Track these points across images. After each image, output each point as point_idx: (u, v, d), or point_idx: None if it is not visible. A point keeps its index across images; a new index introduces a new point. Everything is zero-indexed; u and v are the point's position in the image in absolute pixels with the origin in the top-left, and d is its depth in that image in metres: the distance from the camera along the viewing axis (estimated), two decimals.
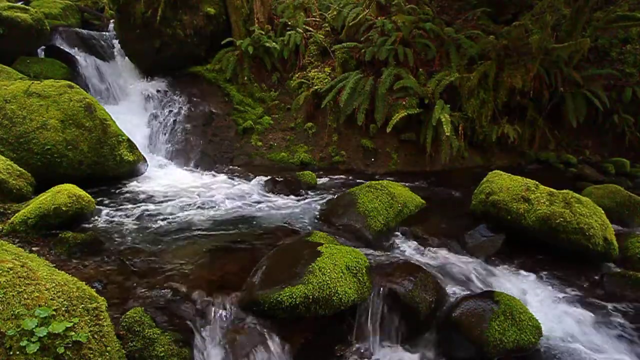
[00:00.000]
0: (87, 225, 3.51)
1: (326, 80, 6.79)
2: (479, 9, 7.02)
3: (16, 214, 3.17)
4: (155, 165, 5.71)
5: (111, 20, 8.53)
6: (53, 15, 8.12)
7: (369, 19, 6.94)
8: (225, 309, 2.48)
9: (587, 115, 6.41)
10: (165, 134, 6.59)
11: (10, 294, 1.65)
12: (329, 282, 2.46)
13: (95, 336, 1.78)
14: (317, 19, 7.73)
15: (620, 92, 6.57)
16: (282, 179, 5.07)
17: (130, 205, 4.17)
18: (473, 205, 3.90)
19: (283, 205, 4.35)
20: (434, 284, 2.75)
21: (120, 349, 1.95)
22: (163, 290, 2.50)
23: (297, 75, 7.20)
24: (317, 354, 2.51)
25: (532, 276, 3.18)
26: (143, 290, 2.51)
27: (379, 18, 6.90)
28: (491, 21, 7.05)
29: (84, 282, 2.00)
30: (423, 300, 2.63)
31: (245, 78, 7.20)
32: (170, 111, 6.80)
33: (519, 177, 3.77)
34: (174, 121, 6.71)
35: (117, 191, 4.64)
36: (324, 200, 4.43)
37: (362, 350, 2.60)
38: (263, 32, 7.23)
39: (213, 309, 2.44)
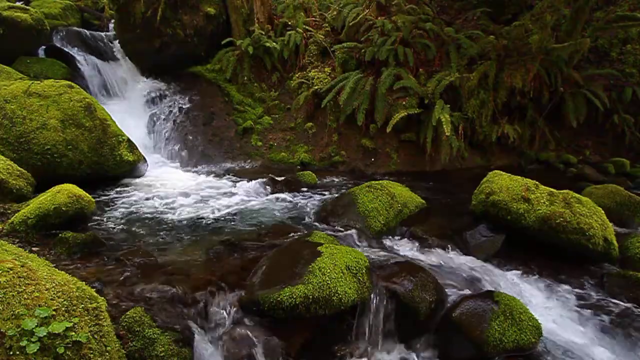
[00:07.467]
0: (87, 225, 3.51)
1: (326, 80, 6.79)
2: (479, 9, 7.02)
3: (16, 214, 3.17)
4: (155, 165, 5.71)
5: (111, 20, 8.55)
6: (53, 15, 8.12)
7: (369, 19, 6.94)
8: (225, 308, 2.48)
9: (587, 115, 6.41)
10: (165, 134, 6.60)
11: (10, 294, 1.65)
12: (329, 282, 2.46)
13: (95, 336, 1.78)
14: (317, 19, 7.73)
15: (620, 92, 6.57)
16: (282, 179, 5.08)
17: (130, 205, 4.17)
18: (473, 205, 3.90)
19: (283, 205, 4.35)
20: (434, 284, 2.75)
21: (120, 349, 1.95)
22: (163, 290, 2.49)
23: (297, 75, 7.20)
24: (317, 354, 2.51)
25: (532, 276, 3.18)
26: (143, 290, 2.50)
27: (379, 18, 6.90)
28: (491, 21, 7.04)
29: (84, 282, 2.00)
30: (423, 300, 2.63)
31: (245, 78, 7.20)
32: (171, 111, 6.81)
33: (519, 177, 3.77)
34: (174, 121, 6.72)
35: (117, 191, 4.64)
36: (324, 200, 4.42)
37: (362, 350, 2.60)
38: (263, 32, 7.23)
39: (213, 308, 2.45)
